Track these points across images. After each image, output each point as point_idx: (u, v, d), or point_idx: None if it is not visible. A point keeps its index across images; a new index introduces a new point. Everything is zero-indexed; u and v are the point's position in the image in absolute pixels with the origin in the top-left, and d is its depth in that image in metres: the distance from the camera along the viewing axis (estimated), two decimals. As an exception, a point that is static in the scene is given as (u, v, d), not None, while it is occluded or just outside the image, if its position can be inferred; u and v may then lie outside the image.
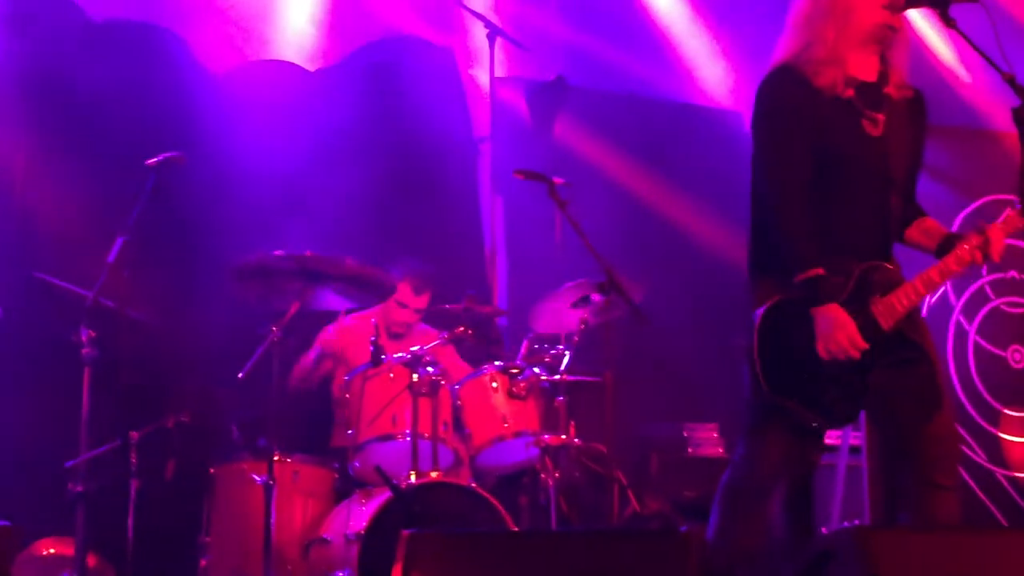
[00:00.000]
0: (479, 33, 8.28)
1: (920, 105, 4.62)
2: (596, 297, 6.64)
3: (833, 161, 4.40)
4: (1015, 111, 4.32)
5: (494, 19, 8.30)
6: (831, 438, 7.49)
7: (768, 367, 4.34)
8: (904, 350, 4.39)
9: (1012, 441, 7.07)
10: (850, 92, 4.44)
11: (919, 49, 9.81)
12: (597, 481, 6.84)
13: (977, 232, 4.46)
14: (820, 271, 4.28)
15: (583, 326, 6.69)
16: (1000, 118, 7.72)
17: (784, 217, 4.35)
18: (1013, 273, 7.27)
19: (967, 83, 9.75)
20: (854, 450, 7.03)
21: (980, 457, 6.99)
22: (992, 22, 4.31)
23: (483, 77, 8.36)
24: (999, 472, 7.01)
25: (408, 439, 6.11)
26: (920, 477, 4.39)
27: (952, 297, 7.17)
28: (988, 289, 7.27)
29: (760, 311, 4.38)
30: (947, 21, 4.42)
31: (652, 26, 9.21)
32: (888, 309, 4.35)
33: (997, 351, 7.19)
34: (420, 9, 8.53)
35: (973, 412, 7.04)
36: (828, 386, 4.33)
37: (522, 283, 8.33)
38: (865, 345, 4.28)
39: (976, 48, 4.43)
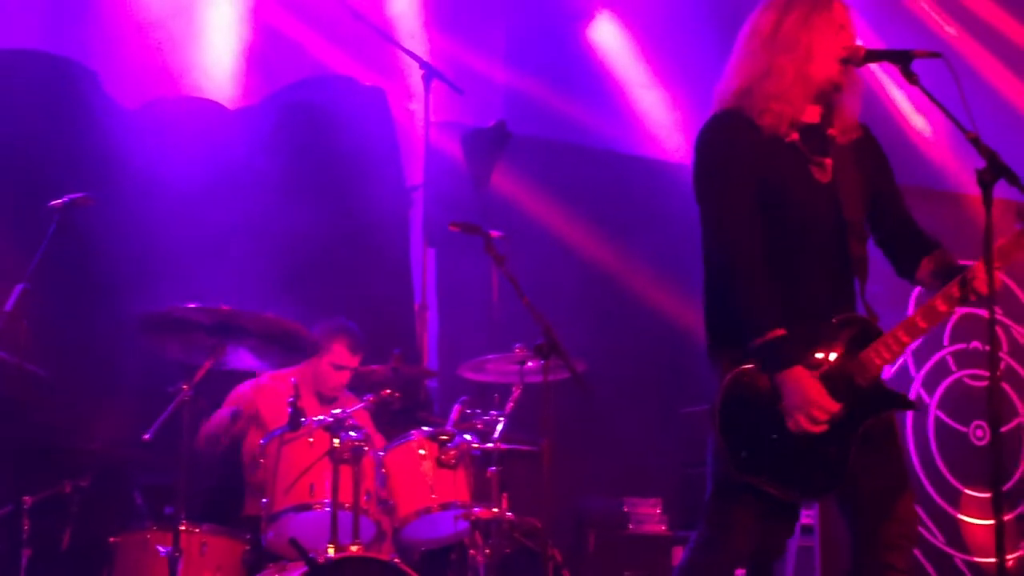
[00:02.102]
0: (415, 75, 8.32)
1: (871, 143, 4.68)
2: (534, 361, 6.65)
3: (784, 212, 4.41)
4: (979, 172, 4.37)
5: (431, 60, 8.33)
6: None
7: (734, 443, 4.31)
8: (887, 407, 4.37)
9: (972, 523, 7.14)
10: (794, 136, 4.47)
11: (880, 105, 10.01)
12: (530, 558, 6.82)
13: (971, 271, 4.39)
14: (781, 332, 4.25)
15: (519, 391, 6.70)
16: (963, 179, 7.85)
17: (737, 279, 4.33)
18: (976, 344, 7.36)
19: (929, 142, 9.94)
20: (806, 530, 7.07)
21: (939, 540, 7.05)
22: (956, 78, 4.37)
23: (418, 121, 8.38)
24: (958, 556, 7.07)
25: (327, 509, 6.06)
26: (875, 558, 4.42)
27: (912, 368, 7.25)
28: (950, 360, 7.36)
29: (723, 383, 4.35)
30: (909, 77, 4.48)
31: (598, 73, 9.31)
32: (866, 363, 4.34)
33: (959, 427, 7.27)
34: (352, 47, 8.55)
35: (932, 492, 7.11)
36: (802, 457, 4.29)
37: (455, 343, 8.34)
38: (836, 407, 4.25)
39: (939, 106, 4.49)
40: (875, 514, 4.40)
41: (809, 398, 4.23)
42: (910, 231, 4.64)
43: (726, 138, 4.45)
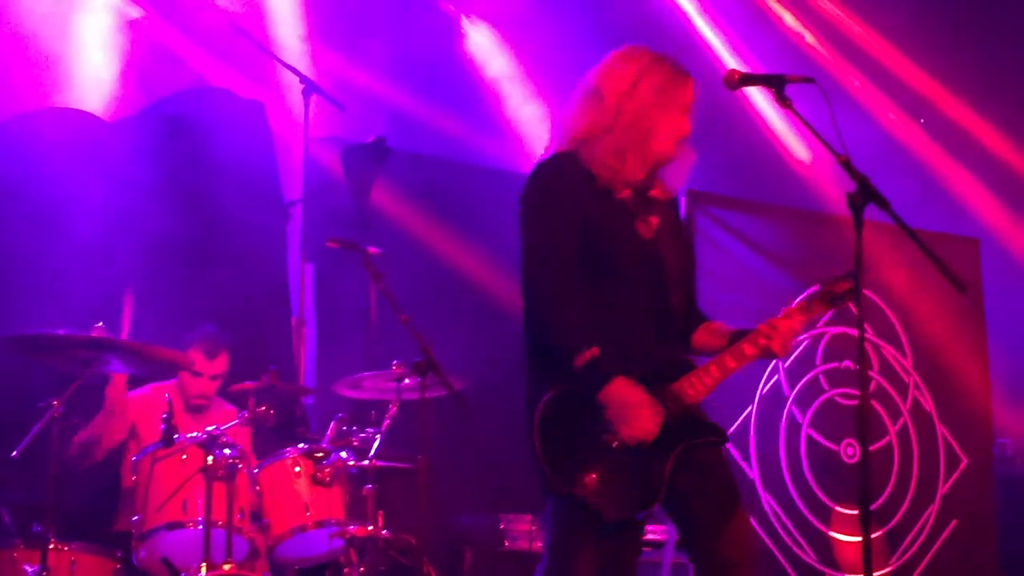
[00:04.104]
0: (295, 89, 8.26)
1: (676, 213, 4.86)
2: (411, 378, 6.63)
3: (608, 262, 4.54)
4: (850, 196, 4.45)
5: (311, 75, 8.30)
6: (656, 533, 7.59)
7: (553, 462, 4.37)
8: (703, 436, 4.49)
9: (842, 540, 7.23)
10: (626, 193, 4.61)
11: (760, 127, 10.16)
12: (406, 576, 6.81)
13: (767, 325, 4.58)
14: (595, 351, 4.35)
15: (395, 408, 6.69)
16: (839, 201, 7.97)
17: (550, 307, 4.48)
18: (847, 363, 7.47)
19: (806, 164, 10.10)
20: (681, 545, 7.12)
21: (810, 558, 7.13)
22: (828, 102, 4.44)
23: (297, 136, 8.34)
24: (829, 573, 7.16)
25: (200, 527, 6.01)
26: None
27: (786, 387, 7.34)
28: (822, 380, 7.46)
29: (541, 403, 4.44)
30: (782, 101, 4.55)
31: (477, 89, 9.32)
32: (679, 394, 4.47)
33: (830, 445, 7.37)
34: (232, 60, 8.48)
35: (804, 510, 7.19)
36: (621, 474, 4.37)
37: (332, 359, 8.29)
38: (662, 411, 4.38)
39: (811, 129, 4.57)
40: (709, 535, 4.44)
41: (636, 402, 4.35)
42: (692, 306, 4.79)
43: (557, 181, 4.58)
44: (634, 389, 4.37)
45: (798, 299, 4.61)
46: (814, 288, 4.68)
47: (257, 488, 6.35)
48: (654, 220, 4.66)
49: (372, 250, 6.68)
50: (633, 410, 4.36)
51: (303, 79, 8.11)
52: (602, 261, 4.52)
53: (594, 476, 4.35)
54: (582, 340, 4.39)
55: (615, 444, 4.36)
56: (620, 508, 4.37)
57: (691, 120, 4.68)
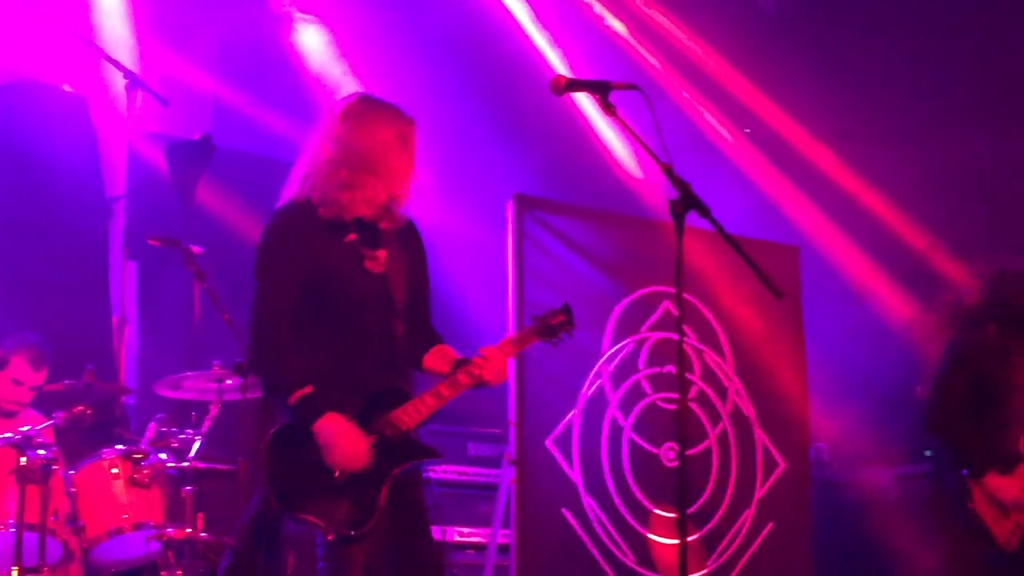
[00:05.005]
0: (119, 84, 8.11)
1: (412, 234, 5.19)
2: (232, 379, 6.57)
3: (337, 298, 4.90)
4: (672, 203, 4.51)
5: (137, 70, 8.16)
6: (481, 536, 7.61)
7: (279, 486, 4.74)
8: (414, 456, 4.90)
9: (661, 543, 7.32)
10: (352, 236, 4.95)
11: (588, 133, 10.26)
12: (225, 579, 6.71)
13: (481, 356, 4.94)
14: (309, 389, 4.74)
15: (216, 409, 6.62)
16: (663, 208, 8.07)
17: (269, 348, 4.85)
18: (669, 368, 7.56)
19: (632, 171, 10.22)
20: (502, 549, 7.15)
21: (629, 559, 7.19)
22: (651, 109, 4.49)
23: (121, 131, 8.20)
24: (647, 575, 7.24)
25: (12, 530, 5.90)
26: None
27: (609, 391, 7.40)
28: (645, 384, 7.53)
29: (267, 437, 4.78)
30: (607, 108, 4.60)
31: (305, 87, 9.27)
32: (395, 422, 4.84)
33: (651, 448, 7.45)
34: (54, 54, 8.31)
35: (624, 511, 7.26)
36: (341, 496, 4.74)
37: (154, 359, 8.18)
38: (366, 443, 4.76)
39: (635, 136, 4.63)
40: (405, 543, 4.90)
41: (344, 433, 4.74)
42: (424, 329, 5.18)
43: (284, 232, 4.94)
44: (342, 423, 4.75)
45: (513, 332, 5.11)
46: (529, 324, 5.14)
47: (72, 490, 6.23)
48: (382, 254, 5.01)
49: (195, 249, 6.63)
50: (341, 441, 4.73)
51: (127, 74, 7.97)
52: (330, 299, 4.89)
53: (316, 500, 4.72)
54: (296, 379, 4.76)
55: (337, 472, 4.74)
56: (340, 527, 4.70)
57: (415, 160, 5.05)
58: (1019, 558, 6.66)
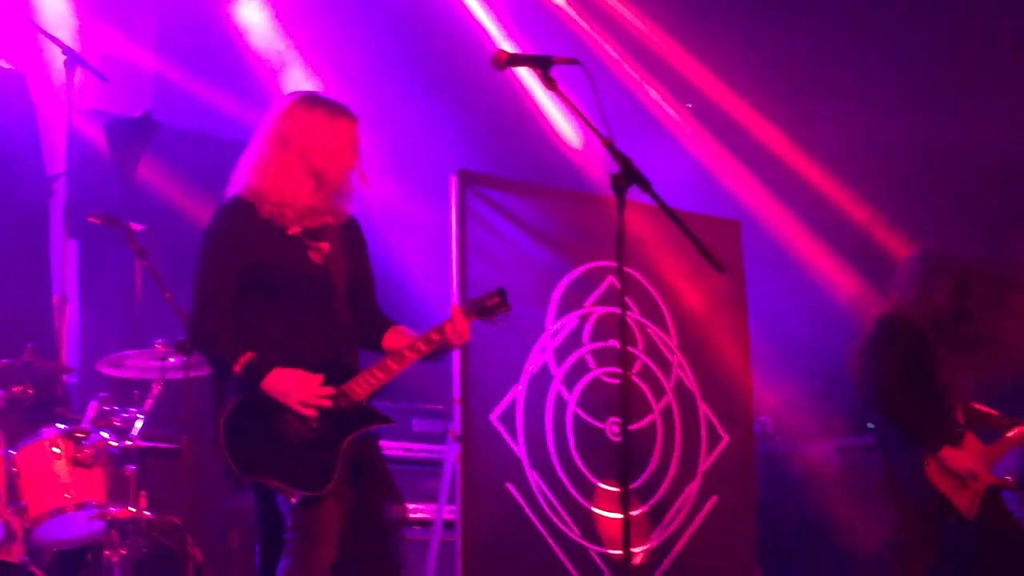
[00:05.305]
0: (58, 60, 8.04)
1: (354, 230, 5.37)
2: (176, 357, 6.54)
3: (281, 288, 5.06)
4: (613, 177, 4.52)
5: (76, 46, 8.08)
6: (426, 512, 7.61)
7: (238, 453, 4.85)
8: (372, 423, 5.06)
9: (606, 517, 7.34)
10: (296, 230, 5.11)
11: (531, 108, 10.25)
12: (170, 558, 6.68)
13: (436, 330, 5.13)
14: (252, 354, 4.89)
15: (159, 388, 6.59)
16: (606, 183, 8.07)
17: (210, 320, 5.01)
18: (613, 342, 7.57)
19: (576, 146, 10.22)
20: (448, 525, 7.15)
21: (574, 533, 7.20)
22: (592, 84, 4.51)
23: (60, 109, 8.12)
24: (593, 548, 7.25)
25: (-48, 510, 5.83)
26: (370, 543, 5.05)
27: (553, 366, 7.40)
28: (589, 359, 7.53)
29: (224, 412, 4.89)
30: (548, 82, 4.61)
31: (249, 65, 9.21)
32: (348, 393, 4.98)
33: (596, 423, 7.45)
34: (-9, 31, 8.24)
35: (569, 486, 7.26)
36: (300, 459, 4.87)
37: (96, 337, 8.14)
38: (319, 379, 4.92)
39: (576, 111, 4.63)
40: (371, 504, 5.07)
41: (293, 377, 4.89)
42: (375, 314, 5.37)
43: (227, 224, 5.09)
44: (290, 371, 4.90)
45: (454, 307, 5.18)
46: (465, 306, 5.25)
47: (14, 469, 6.19)
48: (325, 246, 5.16)
49: (136, 226, 6.59)
50: (295, 384, 4.88)
51: (66, 50, 7.91)
52: (276, 289, 5.05)
53: (277, 464, 4.84)
54: (239, 346, 4.92)
55: (295, 439, 4.87)
56: (304, 488, 4.81)
57: (358, 159, 5.22)
58: (979, 525, 6.76)
